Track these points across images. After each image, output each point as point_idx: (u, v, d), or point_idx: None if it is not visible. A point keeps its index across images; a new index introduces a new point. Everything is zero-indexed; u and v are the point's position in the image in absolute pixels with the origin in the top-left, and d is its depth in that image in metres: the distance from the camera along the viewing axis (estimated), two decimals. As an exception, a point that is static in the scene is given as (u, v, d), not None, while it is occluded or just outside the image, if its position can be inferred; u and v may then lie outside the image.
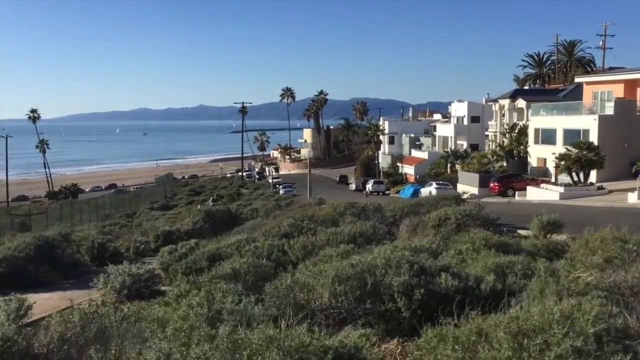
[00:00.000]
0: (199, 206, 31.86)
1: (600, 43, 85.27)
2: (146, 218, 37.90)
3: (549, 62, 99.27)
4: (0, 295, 11.61)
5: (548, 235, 11.36)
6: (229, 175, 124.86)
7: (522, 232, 12.92)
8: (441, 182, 51.70)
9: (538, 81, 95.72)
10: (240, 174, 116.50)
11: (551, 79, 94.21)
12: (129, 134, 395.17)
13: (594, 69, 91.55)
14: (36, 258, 12.36)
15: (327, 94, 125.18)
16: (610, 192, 37.41)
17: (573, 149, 37.83)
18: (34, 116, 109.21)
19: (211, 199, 33.34)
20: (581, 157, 36.91)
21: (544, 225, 11.76)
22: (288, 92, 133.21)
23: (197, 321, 5.72)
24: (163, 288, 11.21)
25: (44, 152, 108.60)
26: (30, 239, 12.68)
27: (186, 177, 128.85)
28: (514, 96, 59.12)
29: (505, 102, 58.98)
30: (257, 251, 10.18)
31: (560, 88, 64.76)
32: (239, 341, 4.24)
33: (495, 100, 64.38)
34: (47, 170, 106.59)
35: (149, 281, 10.79)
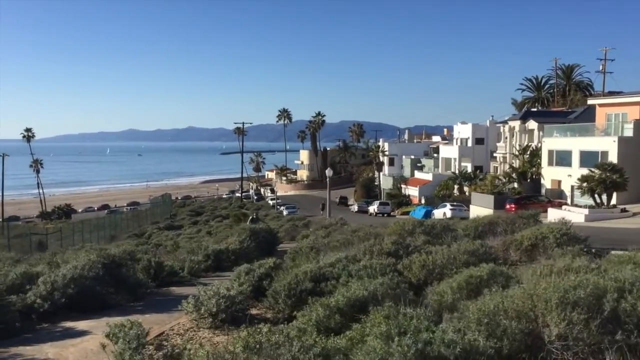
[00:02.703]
0: (247, 223, 30.75)
1: (600, 67, 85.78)
2: (166, 238, 36.75)
3: (547, 85, 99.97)
4: (69, 321, 10.65)
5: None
6: (224, 196, 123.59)
7: (619, 253, 12.09)
8: (455, 203, 51.04)
9: (537, 104, 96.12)
10: (237, 194, 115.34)
11: (550, 102, 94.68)
12: (119, 155, 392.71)
13: (593, 93, 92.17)
14: (104, 278, 11.33)
15: (324, 116, 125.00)
16: (634, 214, 36.87)
17: (596, 171, 37.33)
18: (28, 135, 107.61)
19: (250, 218, 32.31)
20: (605, 179, 36.40)
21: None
22: (285, 114, 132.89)
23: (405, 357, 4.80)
24: (254, 312, 10.23)
25: (37, 171, 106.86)
26: (96, 257, 11.65)
27: (179, 197, 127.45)
28: (524, 117, 58.93)
29: (516, 124, 58.72)
30: (368, 271, 9.26)
31: (568, 110, 64.62)
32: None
33: (505, 122, 64.20)
34: (41, 190, 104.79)
35: (241, 304, 9.80)
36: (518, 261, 11.51)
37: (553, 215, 40.64)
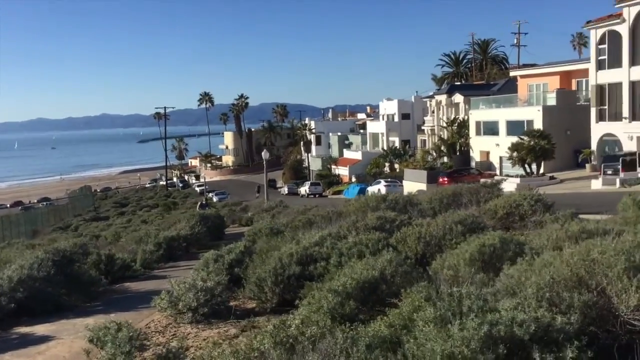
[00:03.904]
0: (197, 208, 29.26)
1: (515, 41, 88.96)
2: (96, 229, 34.66)
3: (465, 60, 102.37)
4: (22, 326, 9.39)
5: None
6: (147, 185, 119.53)
7: (588, 217, 12.05)
8: (389, 179, 51.32)
9: (456, 79, 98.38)
10: (161, 183, 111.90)
11: (468, 77, 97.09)
12: (29, 149, 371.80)
13: (508, 66, 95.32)
14: (55, 278, 10.11)
15: (247, 97, 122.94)
16: (562, 181, 38.24)
17: (526, 138, 38.33)
18: None
19: (199, 203, 30.74)
20: (535, 146, 37.42)
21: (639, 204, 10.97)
22: (206, 97, 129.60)
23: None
24: (233, 303, 9.38)
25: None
26: (43, 254, 10.39)
27: (98, 190, 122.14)
28: (450, 91, 59.98)
29: (443, 98, 59.70)
30: (360, 248, 8.62)
31: (490, 83, 66.36)
32: None
33: (431, 97, 65.13)
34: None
35: (220, 296, 8.93)
36: (495, 229, 11.25)
37: (486, 185, 41.71)
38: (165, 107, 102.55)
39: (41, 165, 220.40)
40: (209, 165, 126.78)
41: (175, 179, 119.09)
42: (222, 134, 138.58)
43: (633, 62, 36.19)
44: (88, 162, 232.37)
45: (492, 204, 12.10)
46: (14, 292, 9.37)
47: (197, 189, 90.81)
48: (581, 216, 13.05)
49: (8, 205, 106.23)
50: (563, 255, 5.33)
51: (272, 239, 11.69)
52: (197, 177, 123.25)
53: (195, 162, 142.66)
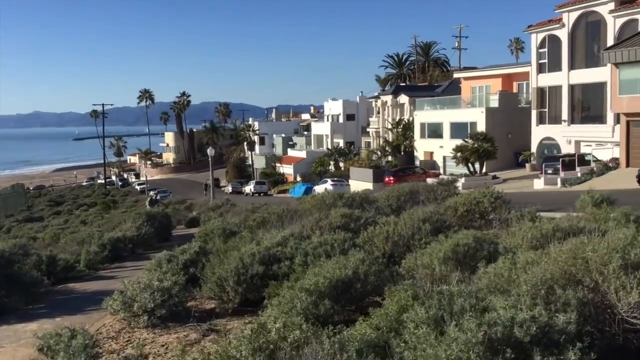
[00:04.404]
0: (147, 207, 28.05)
1: (456, 44, 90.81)
2: (31, 231, 32.87)
3: (408, 62, 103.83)
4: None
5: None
6: (84, 183, 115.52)
7: (547, 214, 12.15)
8: (336, 178, 51.31)
9: (399, 80, 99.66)
10: (99, 181, 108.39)
11: (411, 78, 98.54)
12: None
13: (449, 68, 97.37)
14: (-5, 279, 9.34)
15: (189, 96, 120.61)
16: (504, 180, 39.14)
17: (470, 140, 39.10)
18: None
19: (149, 199, 29.45)
20: (478, 148, 38.22)
21: (596, 202, 11.11)
22: (146, 94, 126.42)
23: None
24: (190, 304, 8.88)
25: None
26: (-21, 256, 9.58)
27: (31, 188, 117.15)
28: (395, 92, 60.55)
29: (388, 98, 60.19)
30: (326, 248, 8.30)
31: (434, 85, 67.44)
32: None
33: (376, 97, 65.56)
34: None
35: (177, 297, 8.41)
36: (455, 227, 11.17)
37: (431, 185, 42.29)
38: (103, 104, 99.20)
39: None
40: (149, 162, 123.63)
41: (114, 177, 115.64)
42: (163, 134, 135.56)
43: (572, 66, 37.43)
44: (20, 159, 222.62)
45: (452, 202, 12.02)
46: (-54, 296, 8.56)
47: (138, 187, 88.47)
48: (539, 214, 13.17)
49: None
50: (550, 253, 5.16)
51: (229, 240, 11.21)
52: (137, 176, 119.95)
53: (134, 160, 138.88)
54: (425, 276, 6.61)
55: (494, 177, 39.22)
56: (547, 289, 4.57)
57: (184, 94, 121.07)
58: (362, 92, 78.86)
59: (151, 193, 72.43)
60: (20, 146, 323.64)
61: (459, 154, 39.41)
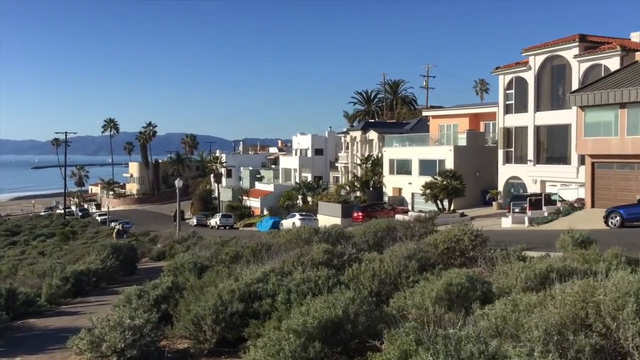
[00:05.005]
0: (113, 236, 26.97)
1: (424, 83, 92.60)
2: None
3: (376, 99, 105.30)
4: None
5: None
6: (42, 213, 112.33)
7: (531, 253, 12.01)
8: (304, 213, 50.92)
9: (367, 117, 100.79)
10: (58, 211, 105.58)
11: (379, 115, 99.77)
12: None
13: (417, 107, 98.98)
14: (-51, 315, 8.66)
15: (156, 126, 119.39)
16: (472, 218, 39.35)
17: (439, 178, 39.36)
18: None
19: (116, 230, 28.25)
20: (447, 185, 38.47)
21: (577, 242, 11.03)
22: (111, 124, 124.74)
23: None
24: (162, 343, 8.36)
25: None
26: None
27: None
28: (365, 128, 60.94)
29: (357, 134, 60.51)
30: (310, 285, 7.94)
31: (402, 122, 68.22)
32: None
33: (345, 133, 65.86)
34: None
35: (149, 336, 7.90)
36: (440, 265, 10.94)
37: (400, 221, 42.26)
38: (66, 133, 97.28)
39: None
40: (111, 193, 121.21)
41: (73, 207, 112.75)
42: (127, 164, 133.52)
43: (538, 108, 38.28)
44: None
45: (432, 239, 11.80)
46: None
47: (98, 218, 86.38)
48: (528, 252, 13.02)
49: None
50: (555, 296, 4.93)
51: (202, 275, 10.74)
52: (98, 206, 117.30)
53: (96, 190, 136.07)
54: (418, 317, 6.32)
55: (462, 215, 39.39)
56: (558, 335, 4.32)
57: (150, 124, 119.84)
58: (330, 127, 79.37)
59: (113, 224, 70.80)
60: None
61: (428, 191, 39.60)
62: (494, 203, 41.61)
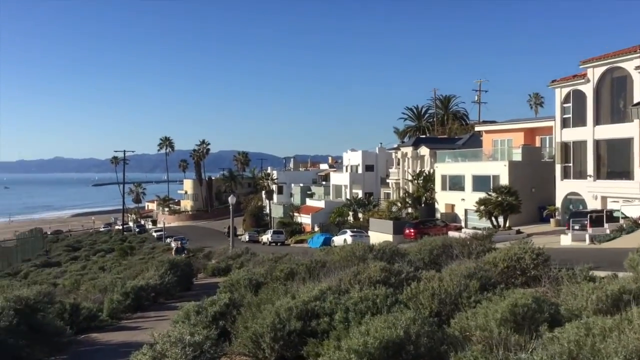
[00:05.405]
0: (173, 254, 27.61)
1: (476, 97, 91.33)
2: (48, 276, 32.57)
3: (427, 115, 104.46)
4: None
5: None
6: (102, 229, 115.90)
7: (597, 272, 11.56)
8: (356, 229, 50.77)
9: (417, 133, 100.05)
10: (116, 227, 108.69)
11: (430, 131, 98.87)
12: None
13: (468, 122, 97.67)
14: (19, 328, 8.97)
15: (209, 144, 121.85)
16: (528, 235, 38.32)
17: (493, 194, 38.55)
18: None
19: (175, 247, 28.86)
20: (502, 202, 37.64)
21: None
22: (167, 142, 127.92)
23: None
24: (222, 360, 8.40)
25: None
26: (3, 302, 9.24)
27: (49, 232, 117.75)
28: (416, 144, 60.48)
29: (408, 150, 60.09)
30: (368, 304, 7.84)
31: (454, 137, 67.42)
32: None
33: (396, 149, 65.52)
34: None
35: (209, 353, 7.96)
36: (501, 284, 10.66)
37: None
38: (124, 151, 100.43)
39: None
40: (166, 209, 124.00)
41: (131, 224, 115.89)
42: (181, 181, 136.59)
43: (597, 121, 37.10)
44: (39, 204, 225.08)
45: (491, 257, 11.52)
46: (-32, 345, 8.19)
47: (155, 234, 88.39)
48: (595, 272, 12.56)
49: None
50: (633, 320, 4.69)
51: (257, 292, 10.78)
52: (154, 222, 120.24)
53: (152, 206, 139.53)
54: (482, 339, 6.14)
55: (518, 232, 38.42)
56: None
57: (203, 142, 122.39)
58: (381, 143, 79.07)
59: (168, 240, 72.27)
60: (41, 191, 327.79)
61: (482, 207, 38.81)
62: (551, 220, 40.40)
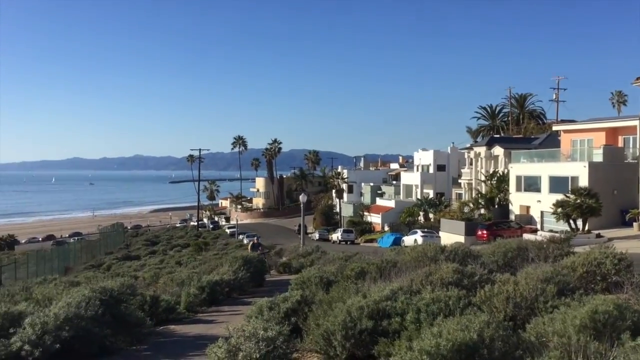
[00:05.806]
0: (249, 250, 28.32)
1: (554, 96, 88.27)
2: (129, 269, 34.19)
3: (501, 114, 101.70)
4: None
5: None
6: (178, 225, 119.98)
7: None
8: (426, 230, 50.21)
9: (491, 132, 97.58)
10: (191, 223, 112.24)
11: (504, 130, 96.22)
12: (66, 184, 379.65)
13: (545, 121, 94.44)
14: (104, 318, 9.46)
15: (281, 143, 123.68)
16: (609, 239, 36.67)
17: (572, 196, 37.11)
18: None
19: (252, 243, 29.47)
20: (581, 204, 36.17)
21: None
22: (240, 141, 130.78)
23: None
24: (294, 356, 8.56)
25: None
26: (90, 292, 9.77)
27: (129, 227, 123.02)
28: (490, 143, 59.09)
29: (482, 150, 58.79)
30: (440, 306, 7.79)
31: (530, 137, 65.41)
32: None
33: (469, 148, 64.27)
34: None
35: (281, 348, 8.13)
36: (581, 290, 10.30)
37: (529, 241, 40.31)
38: (200, 149, 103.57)
39: (76, 201, 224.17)
40: (239, 207, 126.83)
41: (205, 220, 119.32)
42: (254, 179, 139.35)
43: (687, 121, 35.04)
44: (120, 200, 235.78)
45: (569, 261, 11.14)
46: (59, 330, 8.72)
47: (228, 230, 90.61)
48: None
49: (40, 239, 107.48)
50: None
51: (328, 289, 10.90)
52: (227, 219, 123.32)
53: (225, 203, 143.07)
54: (559, 345, 5.98)
55: (598, 236, 36.83)
56: None
57: (275, 141, 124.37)
58: (453, 142, 77.74)
59: (241, 236, 73.87)
60: (122, 187, 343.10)
61: (559, 210, 37.40)
62: (634, 224, 38.46)
